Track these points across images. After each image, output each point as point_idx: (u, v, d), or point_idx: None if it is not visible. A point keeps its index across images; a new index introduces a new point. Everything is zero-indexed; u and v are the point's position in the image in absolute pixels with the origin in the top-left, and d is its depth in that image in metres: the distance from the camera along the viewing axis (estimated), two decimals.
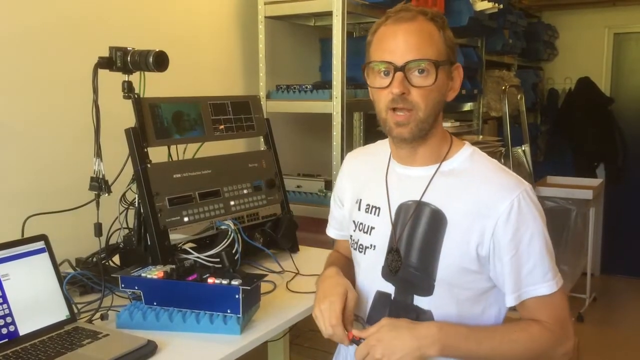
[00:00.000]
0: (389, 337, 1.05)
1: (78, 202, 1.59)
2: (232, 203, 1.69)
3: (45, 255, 1.28)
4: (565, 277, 3.96)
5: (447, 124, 2.96)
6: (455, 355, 1.08)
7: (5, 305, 1.17)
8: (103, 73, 1.50)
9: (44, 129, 1.76)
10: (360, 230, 1.23)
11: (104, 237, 1.65)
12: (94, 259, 1.68)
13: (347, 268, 1.29)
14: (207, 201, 1.63)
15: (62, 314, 1.26)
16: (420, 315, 1.13)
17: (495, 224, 1.07)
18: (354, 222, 1.25)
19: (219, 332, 1.26)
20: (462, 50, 2.99)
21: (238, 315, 1.26)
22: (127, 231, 1.64)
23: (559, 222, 3.91)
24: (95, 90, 1.45)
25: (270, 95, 2.38)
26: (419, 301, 1.14)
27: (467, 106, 3.50)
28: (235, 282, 1.26)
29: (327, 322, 1.11)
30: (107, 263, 1.66)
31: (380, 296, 1.19)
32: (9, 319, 1.17)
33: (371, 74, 1.13)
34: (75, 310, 1.31)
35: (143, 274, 1.33)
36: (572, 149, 4.84)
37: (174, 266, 1.39)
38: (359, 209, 1.24)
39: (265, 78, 2.43)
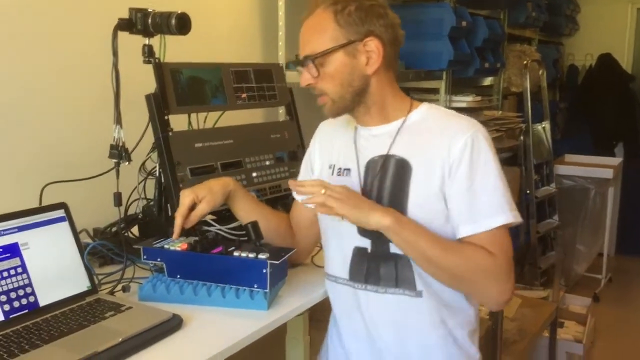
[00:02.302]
0: (346, 189, 1.17)
1: (97, 171, 1.54)
2: (254, 174, 1.64)
3: (65, 224, 1.23)
4: (582, 257, 3.92)
5: (467, 98, 2.88)
6: (403, 237, 1.14)
7: (24, 275, 1.13)
8: (122, 37, 1.43)
9: (63, 96, 1.70)
10: None
11: (123, 207, 1.61)
12: (113, 229, 1.64)
13: (266, 216, 1.38)
14: (229, 172, 1.57)
15: (83, 285, 1.22)
16: (399, 261, 1.20)
17: (452, 162, 1.15)
18: None
19: (245, 307, 1.21)
20: (486, 22, 2.89)
21: (265, 291, 1.22)
22: (146, 201, 1.59)
23: (577, 201, 3.85)
24: (115, 53, 1.38)
25: (289, 66, 2.30)
26: (396, 248, 1.18)
27: (488, 80, 3.42)
28: (262, 256, 1.21)
29: (179, 210, 1.28)
30: (126, 234, 1.61)
31: (358, 251, 1.24)
32: (28, 289, 1.12)
33: None
34: (96, 282, 1.26)
35: (166, 246, 1.29)
36: (590, 127, 4.74)
37: (197, 238, 1.34)
38: (332, 174, 1.30)
39: (284, 48, 2.35)
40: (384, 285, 1.21)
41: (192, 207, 1.30)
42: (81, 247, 1.24)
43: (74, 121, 1.74)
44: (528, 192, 3.50)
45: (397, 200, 1.19)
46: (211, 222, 1.47)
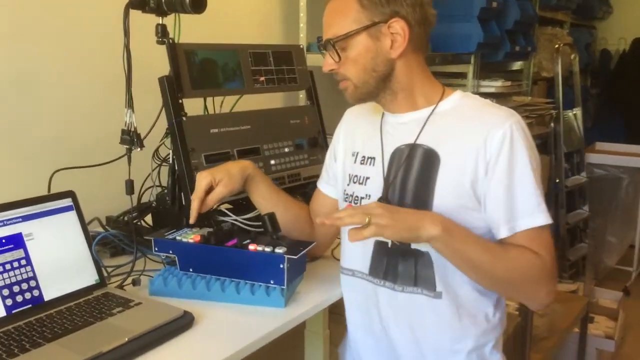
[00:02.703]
0: (392, 207, 1.05)
1: (108, 157, 1.48)
2: (272, 162, 1.56)
3: (73, 213, 1.17)
4: (612, 249, 3.77)
5: (496, 83, 2.76)
6: (452, 246, 1.04)
7: (28, 268, 1.07)
8: (135, 17, 1.36)
9: (72, 79, 1.64)
10: (355, 182, 1.21)
11: (136, 195, 1.55)
12: (125, 218, 1.57)
13: (285, 205, 1.32)
14: (245, 159, 1.49)
15: (91, 278, 1.15)
16: (419, 258, 1.12)
17: (489, 157, 1.06)
18: (349, 175, 1.22)
19: (261, 304, 1.14)
20: (517, 4, 2.76)
21: (282, 287, 1.14)
22: (160, 189, 1.52)
23: (608, 191, 3.70)
24: (127, 33, 1.31)
25: (310, 48, 2.21)
26: (417, 244, 1.11)
27: (517, 65, 3.28)
28: (279, 250, 1.13)
29: (195, 192, 1.22)
30: (138, 223, 1.55)
31: (379, 246, 1.16)
32: (32, 283, 1.06)
33: None
34: (105, 274, 1.20)
35: (178, 237, 1.22)
36: (623, 114, 4.57)
37: (211, 229, 1.27)
38: (355, 162, 1.22)
39: (305, 29, 2.26)
40: (401, 283, 1.13)
41: (210, 191, 1.23)
42: (89, 238, 1.18)
43: (85, 105, 1.68)
44: (557, 181, 3.37)
45: (421, 194, 1.10)
46: (226, 211, 1.39)
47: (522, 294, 1.12)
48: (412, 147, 1.13)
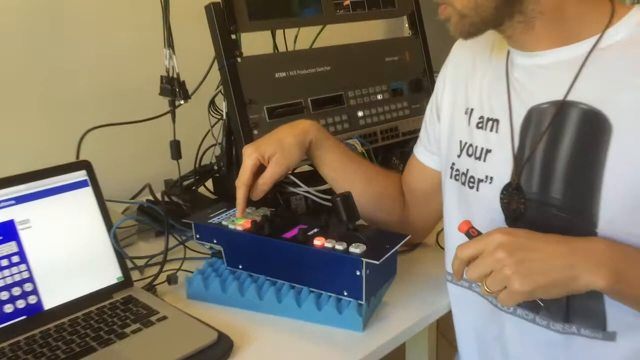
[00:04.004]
0: (525, 244, 0.66)
1: (156, 112, 1.20)
2: (359, 114, 1.19)
3: (88, 190, 0.89)
4: None
5: None
6: (629, 296, 0.66)
7: (23, 267, 0.81)
8: None
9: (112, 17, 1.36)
10: (469, 155, 0.82)
11: (196, 155, 1.26)
12: (185, 183, 1.30)
13: (365, 177, 0.98)
14: (323, 111, 1.14)
15: (111, 275, 0.88)
16: None
17: None
18: (459, 143, 0.84)
19: (329, 324, 0.80)
20: None
21: (360, 302, 0.80)
22: (220, 149, 1.22)
23: None
24: None
25: None
26: None
27: None
28: (356, 249, 0.78)
29: (240, 176, 0.91)
30: (197, 189, 1.27)
31: None
32: (28, 286, 0.80)
33: None
34: (131, 265, 0.92)
35: (224, 222, 0.91)
36: None
37: (270, 212, 0.94)
38: (469, 123, 0.82)
39: None
40: (545, 317, 0.74)
41: (260, 171, 0.90)
42: (109, 222, 0.90)
43: (129, 50, 1.39)
44: None
45: (579, 186, 0.70)
46: (295, 180, 1.05)
47: None
48: (562, 107, 0.72)
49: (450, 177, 0.85)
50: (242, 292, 0.86)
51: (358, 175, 0.97)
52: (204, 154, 1.28)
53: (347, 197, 0.83)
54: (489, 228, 0.72)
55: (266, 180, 0.91)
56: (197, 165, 1.26)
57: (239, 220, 0.90)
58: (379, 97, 1.22)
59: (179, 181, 1.20)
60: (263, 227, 0.86)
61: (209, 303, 0.87)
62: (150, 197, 1.22)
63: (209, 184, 1.28)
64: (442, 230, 1.05)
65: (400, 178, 1.02)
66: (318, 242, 0.82)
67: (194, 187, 1.26)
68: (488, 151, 0.79)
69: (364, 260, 0.77)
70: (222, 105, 1.13)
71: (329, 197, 1.03)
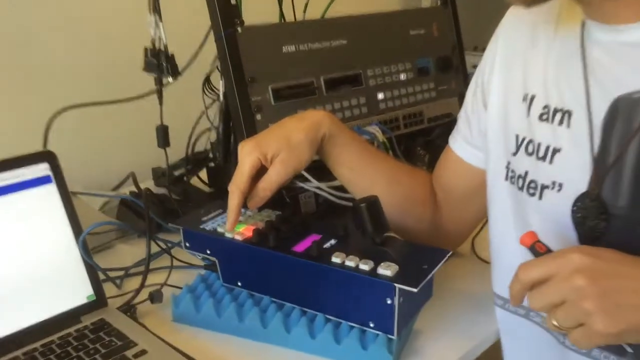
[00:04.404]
0: (612, 269, 0.51)
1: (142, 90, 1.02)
2: (379, 96, 1.02)
3: (51, 188, 0.72)
4: None
5: None
6: None
7: None
8: None
9: None
10: (528, 153, 0.65)
11: (189, 141, 1.10)
12: (176, 173, 1.13)
13: (388, 176, 0.81)
14: (338, 93, 0.97)
15: (80, 293, 0.72)
16: None
17: None
18: (516, 137, 0.67)
19: None
20: None
21: (391, 337, 0.63)
22: (216, 134, 1.05)
23: None
24: None
25: None
26: None
27: None
28: (386, 271, 0.62)
29: (235, 179, 0.73)
30: (189, 180, 1.10)
31: None
32: None
33: None
34: (102, 278, 0.75)
35: (220, 229, 0.74)
36: None
37: (278, 213, 0.78)
38: (528, 113, 0.65)
39: None
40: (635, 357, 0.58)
41: (261, 173, 0.73)
42: (78, 228, 0.73)
43: (103, 15, 1.21)
44: None
45: None
46: (308, 176, 0.88)
47: None
48: None
49: (506, 179, 0.68)
50: (241, 317, 0.69)
51: (380, 175, 0.80)
52: (197, 139, 1.11)
53: (373, 204, 0.66)
54: (556, 248, 0.56)
55: (269, 185, 0.73)
56: (189, 153, 1.09)
57: (239, 227, 0.73)
58: (402, 76, 1.05)
59: (167, 171, 1.03)
60: (268, 237, 0.70)
61: (200, 329, 0.71)
62: (136, 189, 1.06)
63: (203, 174, 1.12)
64: (477, 235, 0.89)
65: (430, 176, 0.85)
66: (337, 259, 0.65)
67: (185, 178, 1.10)
68: (556, 151, 0.62)
69: (397, 286, 0.60)
70: (219, 84, 0.95)
71: (345, 195, 0.87)
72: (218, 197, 1.07)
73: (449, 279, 0.80)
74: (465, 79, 1.14)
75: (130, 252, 0.87)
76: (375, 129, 0.97)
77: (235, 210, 0.72)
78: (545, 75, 0.65)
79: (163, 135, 0.94)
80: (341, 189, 0.87)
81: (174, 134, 1.03)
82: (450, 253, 0.67)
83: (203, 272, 0.78)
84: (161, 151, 1.05)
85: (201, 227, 0.75)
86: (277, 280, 0.70)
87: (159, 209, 0.98)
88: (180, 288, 0.75)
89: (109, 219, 0.96)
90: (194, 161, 1.10)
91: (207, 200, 1.07)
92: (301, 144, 0.73)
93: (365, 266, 0.63)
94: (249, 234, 0.72)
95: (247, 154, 0.73)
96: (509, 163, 0.68)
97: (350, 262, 0.64)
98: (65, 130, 0.98)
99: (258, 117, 0.88)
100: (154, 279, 0.79)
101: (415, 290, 0.60)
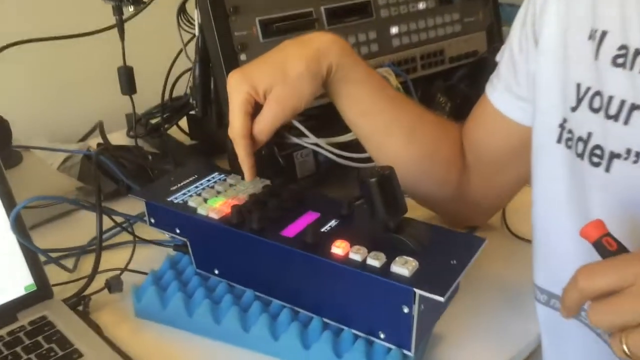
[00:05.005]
0: None
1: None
2: (393, 31, 0.84)
3: None
4: None
5: None
6: None
7: None
8: None
9: None
10: (593, 110, 0.49)
11: (165, 84, 0.93)
12: (153, 121, 0.97)
13: (407, 126, 0.65)
14: (343, 26, 0.79)
15: (18, 283, 0.57)
16: None
17: None
18: (577, 86, 0.50)
19: None
20: None
21: (407, 353, 0.49)
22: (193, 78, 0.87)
23: None
24: None
25: None
26: None
27: None
28: (402, 270, 0.47)
29: (232, 124, 0.59)
30: (166, 132, 0.94)
31: None
32: None
33: None
34: (47, 259, 0.60)
35: (192, 202, 0.58)
36: None
37: (267, 182, 0.62)
38: (596, 55, 0.48)
39: None
40: None
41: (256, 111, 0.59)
42: (10, 201, 0.58)
43: None
44: None
45: None
46: (301, 126, 0.72)
47: None
48: None
49: (559, 141, 0.52)
50: (216, 317, 0.55)
51: (399, 124, 0.64)
52: (175, 82, 0.94)
53: (387, 179, 0.50)
54: (631, 244, 0.40)
55: (263, 128, 0.59)
56: (165, 99, 0.92)
57: (215, 201, 0.58)
58: (421, 5, 0.86)
59: (134, 122, 0.87)
60: (250, 217, 0.54)
61: (168, 326, 0.57)
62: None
63: (184, 123, 0.95)
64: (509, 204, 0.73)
65: (460, 131, 0.68)
66: (338, 249, 0.50)
67: (162, 129, 0.93)
68: (635, 107, 0.46)
69: (418, 292, 0.45)
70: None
71: (351, 155, 0.71)
72: (201, 151, 0.92)
73: (476, 263, 0.65)
74: (497, 9, 0.95)
75: (92, 225, 0.72)
76: (386, 72, 0.79)
77: (247, 159, 0.59)
78: (622, 7, 0.47)
79: (127, 79, 0.77)
80: (348, 146, 0.71)
81: (150, 76, 0.87)
82: (486, 242, 0.52)
83: (173, 253, 0.63)
84: (143, 96, 0.89)
85: (169, 199, 0.60)
86: (262, 271, 0.55)
87: (130, 166, 0.82)
88: (145, 274, 0.61)
89: (69, 180, 0.80)
90: (172, 108, 0.93)
91: (188, 155, 0.91)
92: (301, 77, 0.58)
93: (375, 261, 0.48)
94: (228, 210, 0.56)
95: (235, 88, 0.59)
96: (564, 121, 0.52)
97: (355, 255, 0.49)
98: (18, 70, 0.81)
99: (242, 57, 0.71)
100: (116, 260, 0.64)
101: (442, 299, 0.45)
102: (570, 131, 0.51)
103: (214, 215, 0.56)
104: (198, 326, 0.56)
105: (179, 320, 0.56)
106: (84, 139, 0.98)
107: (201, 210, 0.57)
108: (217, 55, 0.70)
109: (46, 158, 0.85)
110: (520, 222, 0.71)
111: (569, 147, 0.51)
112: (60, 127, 1.00)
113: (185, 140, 0.95)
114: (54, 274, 0.60)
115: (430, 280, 0.46)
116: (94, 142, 0.94)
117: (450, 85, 0.90)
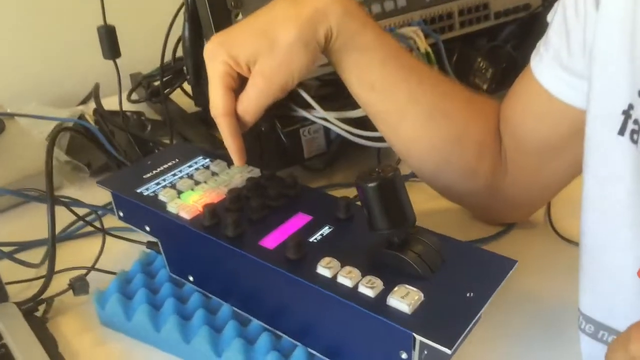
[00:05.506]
0: None
1: None
2: None
3: None
4: None
5: None
6: None
7: None
8: None
9: None
10: None
11: (165, 43, 0.83)
12: (155, 83, 0.88)
13: (432, 108, 0.52)
14: None
15: None
16: None
17: None
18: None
19: None
20: None
21: None
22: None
23: None
24: None
25: None
26: None
27: None
28: (401, 303, 0.36)
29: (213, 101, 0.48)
30: (168, 96, 0.85)
31: None
32: None
33: None
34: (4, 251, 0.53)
35: (162, 196, 0.49)
36: None
37: (256, 172, 0.52)
38: None
39: None
40: None
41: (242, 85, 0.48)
42: None
43: None
44: None
45: None
46: (308, 98, 0.61)
47: None
48: None
49: (621, 133, 0.40)
50: (185, 336, 0.46)
51: (416, 103, 0.52)
52: (179, 40, 0.83)
53: (390, 183, 0.39)
54: None
55: (247, 107, 0.49)
56: (165, 61, 0.82)
57: (188, 195, 0.48)
58: None
59: (119, 90, 0.77)
60: (225, 222, 0.44)
61: (134, 339, 0.49)
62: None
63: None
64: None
65: (497, 109, 0.56)
66: (325, 269, 0.39)
67: (162, 94, 0.83)
68: None
69: (419, 339, 0.35)
70: None
71: (368, 134, 0.60)
72: (204, 119, 0.82)
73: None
74: None
75: (61, 213, 0.62)
76: (414, 32, 0.66)
77: (233, 141, 0.49)
78: None
79: (108, 41, 0.66)
80: (365, 121, 0.60)
81: (148, 36, 0.77)
82: (516, 265, 0.41)
83: (146, 253, 0.54)
84: (149, 55, 0.80)
85: (139, 190, 0.50)
86: (239, 285, 0.46)
87: (125, 135, 0.74)
88: (114, 274, 0.52)
89: (54, 154, 0.72)
90: (174, 70, 0.83)
91: (190, 122, 0.82)
92: (292, 46, 0.46)
93: (368, 290, 0.38)
94: (200, 210, 0.46)
95: (211, 58, 0.48)
96: (630, 107, 0.39)
97: (345, 280, 0.39)
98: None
99: (237, 16, 0.60)
100: (87, 254, 0.56)
101: (449, 352, 0.34)
102: (636, 121, 0.39)
103: (185, 215, 0.47)
104: (165, 344, 0.47)
105: (145, 334, 0.48)
106: (84, 102, 0.90)
107: (171, 208, 0.48)
108: (205, 13, 0.59)
109: (35, 126, 0.77)
110: (570, 220, 0.59)
111: (634, 141, 0.39)
112: (59, 89, 0.92)
113: (190, 105, 0.86)
114: (16, 271, 0.53)
115: (436, 321, 0.36)
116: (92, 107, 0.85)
117: (495, 47, 0.76)
